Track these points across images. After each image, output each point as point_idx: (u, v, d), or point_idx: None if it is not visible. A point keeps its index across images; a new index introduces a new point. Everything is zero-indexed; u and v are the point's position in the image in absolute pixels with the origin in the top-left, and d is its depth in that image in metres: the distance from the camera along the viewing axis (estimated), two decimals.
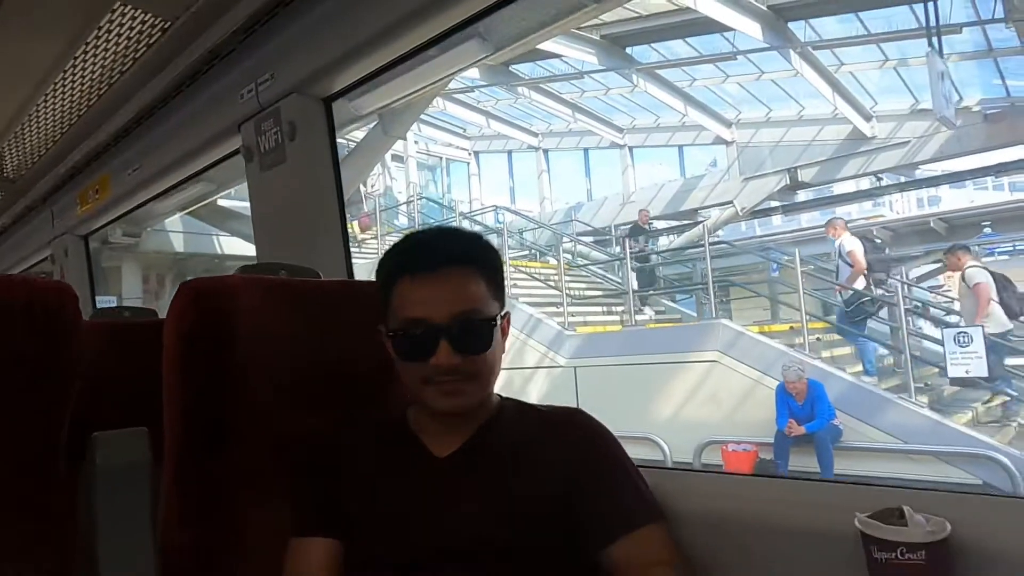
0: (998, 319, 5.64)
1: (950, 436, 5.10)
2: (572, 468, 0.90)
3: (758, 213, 11.54)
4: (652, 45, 9.49)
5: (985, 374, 5.47)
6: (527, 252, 11.18)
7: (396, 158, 14.56)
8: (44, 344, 0.87)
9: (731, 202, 10.76)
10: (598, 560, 0.88)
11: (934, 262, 9.34)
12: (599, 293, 9.66)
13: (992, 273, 5.90)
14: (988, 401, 6.01)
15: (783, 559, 0.90)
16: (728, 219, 11.13)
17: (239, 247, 8.38)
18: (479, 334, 0.89)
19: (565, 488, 0.89)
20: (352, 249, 1.68)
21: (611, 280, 9.98)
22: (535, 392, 7.13)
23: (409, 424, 0.96)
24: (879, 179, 10.72)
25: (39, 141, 2.28)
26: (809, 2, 7.80)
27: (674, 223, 11.63)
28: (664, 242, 10.92)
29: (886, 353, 6.75)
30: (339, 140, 1.85)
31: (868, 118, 9.47)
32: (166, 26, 1.59)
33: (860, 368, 6.32)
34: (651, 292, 9.29)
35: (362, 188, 12.43)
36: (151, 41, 1.65)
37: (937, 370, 6.31)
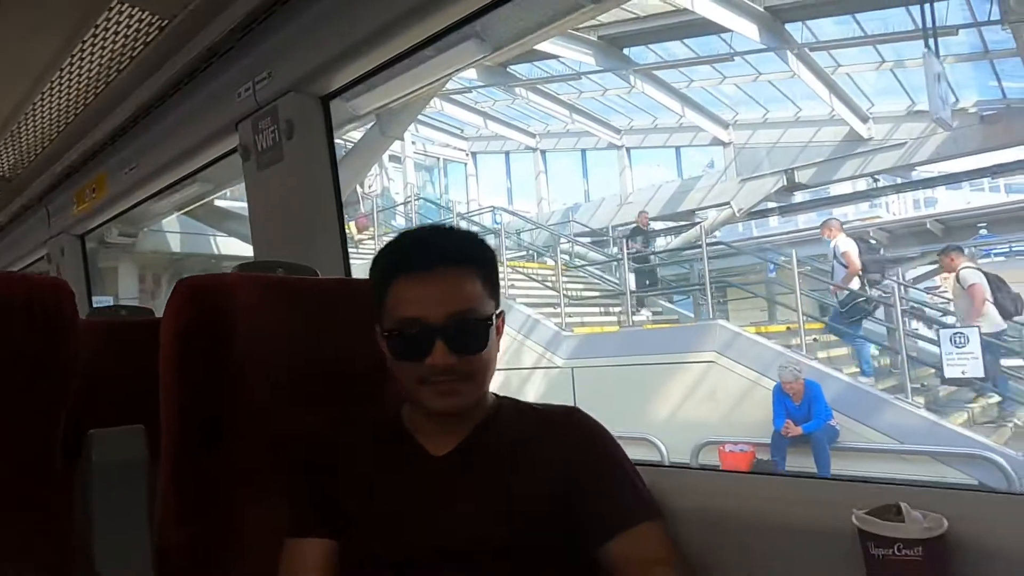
0: (992, 319, 5.67)
1: (946, 437, 5.12)
2: (571, 467, 0.90)
3: (755, 214, 11.56)
4: (649, 46, 9.50)
5: (981, 375, 5.49)
6: (525, 253, 11.18)
7: (394, 159, 14.55)
8: (43, 341, 0.87)
9: (728, 203, 10.77)
10: (596, 558, 0.87)
11: (930, 263, 9.36)
12: (596, 294, 9.66)
13: (986, 274, 5.94)
14: (972, 401, 6.04)
15: (781, 556, 0.90)
16: (725, 220, 11.14)
17: (236, 247, 8.36)
18: (475, 334, 0.88)
19: (564, 487, 0.89)
20: (349, 250, 1.68)
21: (608, 281, 9.99)
22: (532, 393, 7.12)
23: (404, 423, 0.96)
24: (876, 180, 10.75)
25: (35, 139, 2.28)
26: (806, 4, 7.82)
27: (671, 224, 11.64)
28: (661, 243, 10.92)
29: (877, 353, 6.76)
30: (336, 140, 1.85)
31: (865, 119, 9.50)
32: (163, 24, 1.58)
33: (857, 369, 6.33)
34: (648, 293, 9.29)
35: (359, 189, 12.42)
36: (148, 39, 1.65)
37: (933, 371, 6.34)
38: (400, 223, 12.73)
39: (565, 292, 8.43)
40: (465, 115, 13.37)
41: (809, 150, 10.04)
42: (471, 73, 9.88)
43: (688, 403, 6.30)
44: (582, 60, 9.30)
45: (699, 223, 10.00)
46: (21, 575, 0.84)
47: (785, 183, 10.16)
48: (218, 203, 7.82)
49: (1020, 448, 5.04)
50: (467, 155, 15.88)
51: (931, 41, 7.19)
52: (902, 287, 7.39)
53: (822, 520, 0.86)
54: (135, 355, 1.09)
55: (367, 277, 0.97)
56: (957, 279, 5.96)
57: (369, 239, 10.99)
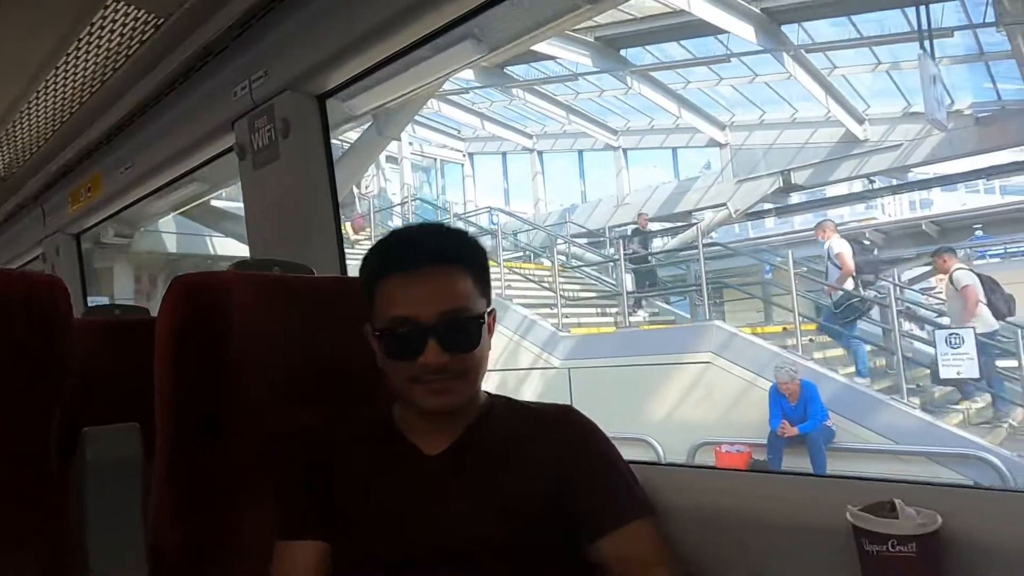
0: (985, 320, 5.70)
1: (942, 437, 5.13)
2: (565, 466, 0.90)
3: (751, 215, 11.59)
4: (646, 47, 9.52)
5: (976, 375, 5.52)
6: (521, 254, 11.18)
7: (391, 159, 14.56)
8: (38, 338, 0.87)
9: (725, 204, 10.80)
10: (588, 556, 0.88)
11: (926, 265, 9.39)
12: (593, 295, 9.67)
13: (979, 275, 5.98)
14: (958, 402, 6.06)
15: (776, 553, 0.90)
16: (722, 221, 11.17)
17: (233, 248, 8.36)
18: (467, 332, 0.88)
19: (558, 486, 0.89)
20: (345, 251, 1.67)
21: (605, 282, 10.00)
22: (529, 393, 7.12)
23: (395, 422, 0.95)
24: (871, 182, 10.78)
25: (31, 138, 2.27)
26: (802, 5, 7.84)
27: (668, 225, 11.66)
28: (658, 244, 10.94)
29: (869, 350, 6.78)
30: (333, 141, 1.85)
31: (861, 121, 9.52)
32: (159, 23, 1.58)
33: (853, 369, 6.35)
34: (645, 294, 9.30)
35: (355, 189, 12.41)
36: (144, 38, 1.64)
37: (927, 371, 6.37)
38: (397, 224, 12.68)
39: (562, 293, 8.43)
40: (462, 116, 13.38)
41: (805, 151, 10.07)
42: (468, 74, 9.89)
43: (684, 404, 6.31)
44: (579, 61, 9.32)
45: (695, 224, 10.02)
46: (20, 571, 0.83)
47: (781, 184, 10.19)
48: (214, 203, 7.81)
49: (1015, 448, 5.06)
50: (464, 156, 15.89)
51: (927, 43, 7.22)
52: (898, 288, 7.42)
53: (817, 517, 0.86)
54: (130, 354, 1.09)
55: None
56: (950, 280, 5.99)
57: (366, 240, 10.98)
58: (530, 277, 9.56)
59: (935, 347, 5.72)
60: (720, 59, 9.45)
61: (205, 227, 8.69)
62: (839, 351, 6.83)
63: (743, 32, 7.86)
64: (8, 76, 1.80)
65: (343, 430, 0.97)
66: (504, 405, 0.98)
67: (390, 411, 0.97)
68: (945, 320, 6.48)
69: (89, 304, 3.11)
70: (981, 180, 10.92)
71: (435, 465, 0.90)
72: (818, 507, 0.87)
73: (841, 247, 6.65)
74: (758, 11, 7.82)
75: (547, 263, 9.97)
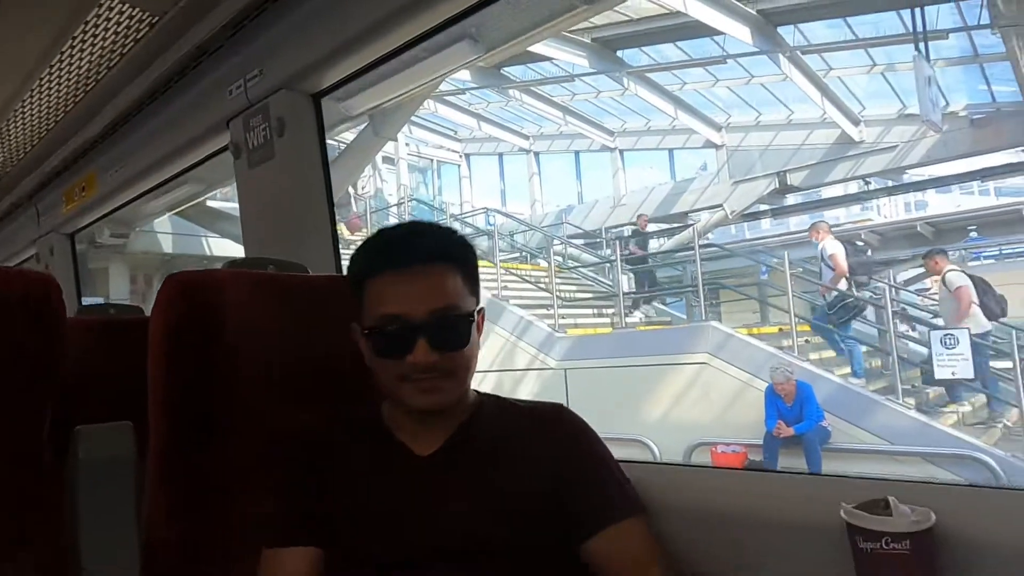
0: (978, 321, 5.74)
1: (937, 437, 5.15)
2: (559, 465, 0.90)
3: (748, 216, 11.61)
4: (643, 48, 9.53)
5: (971, 375, 5.54)
6: (518, 254, 11.19)
7: (387, 160, 14.55)
8: (32, 336, 0.86)
9: (721, 205, 10.82)
10: (580, 555, 0.87)
11: (920, 266, 9.44)
12: (590, 295, 9.67)
13: (971, 277, 6.01)
14: (947, 404, 6.09)
15: (770, 551, 0.90)
16: (718, 222, 11.19)
17: (228, 248, 8.34)
18: (456, 330, 0.87)
19: (552, 485, 0.89)
20: (341, 251, 1.67)
21: (602, 283, 10.01)
22: (525, 394, 7.12)
23: (384, 421, 0.94)
24: (867, 183, 10.82)
25: (24, 137, 2.26)
26: (798, 7, 7.87)
27: (664, 226, 11.68)
28: (654, 245, 10.96)
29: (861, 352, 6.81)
30: (329, 141, 1.85)
31: (856, 122, 9.56)
32: (154, 21, 1.57)
33: (848, 370, 6.37)
34: (641, 294, 9.31)
35: (351, 190, 12.40)
36: (139, 36, 1.63)
37: (920, 372, 6.39)
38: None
39: (558, 294, 8.44)
40: (459, 117, 13.38)
41: (801, 153, 10.09)
42: (464, 75, 9.89)
43: (681, 404, 6.32)
44: (575, 62, 9.33)
45: (692, 225, 10.03)
46: (12, 570, 0.83)
47: (777, 186, 10.21)
48: (210, 203, 7.80)
49: (1009, 448, 5.08)
50: (461, 157, 15.89)
51: (922, 45, 7.26)
52: (893, 289, 7.45)
53: (811, 515, 0.86)
54: (124, 353, 1.09)
55: None
56: (943, 282, 6.03)
57: (362, 240, 10.94)
58: (526, 278, 9.56)
59: (930, 348, 5.74)
60: (716, 60, 9.48)
61: (201, 227, 8.67)
62: (835, 352, 6.85)
63: (739, 34, 7.89)
64: (2, 75, 1.79)
65: (334, 431, 0.96)
66: (494, 404, 0.98)
67: (379, 410, 0.96)
68: (939, 321, 6.51)
69: (84, 304, 3.11)
70: (976, 182, 10.98)
71: (429, 465, 0.90)
72: (812, 505, 0.88)
73: (835, 248, 6.67)
74: (754, 13, 7.84)
75: (544, 264, 9.97)
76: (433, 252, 0.89)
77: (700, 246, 7.64)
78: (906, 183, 10.63)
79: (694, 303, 8.25)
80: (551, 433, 0.93)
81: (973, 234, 10.01)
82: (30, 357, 0.87)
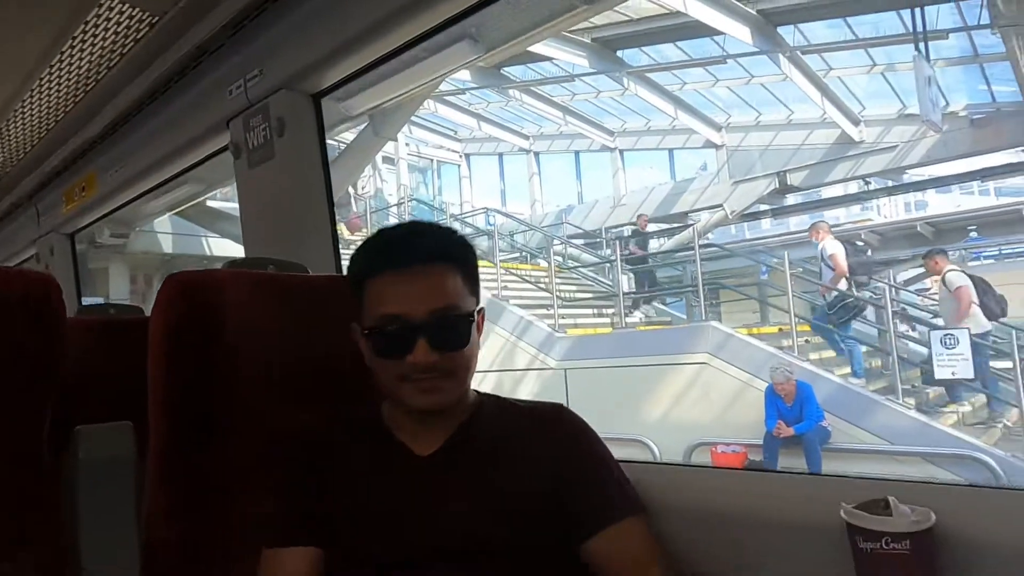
0: (978, 321, 5.74)
1: (937, 437, 5.15)
2: (558, 465, 0.90)
3: (748, 217, 11.61)
4: (643, 48, 9.53)
5: (971, 375, 5.54)
6: (518, 254, 11.18)
7: (387, 160, 14.55)
8: (33, 335, 0.86)
9: (721, 205, 10.82)
10: (580, 554, 0.87)
11: (920, 266, 9.44)
12: (590, 295, 9.67)
13: (971, 277, 6.01)
14: (947, 404, 6.08)
15: (770, 551, 0.90)
16: (718, 222, 11.19)
17: (228, 248, 8.34)
18: (457, 330, 0.87)
19: (552, 485, 0.89)
20: (341, 251, 1.67)
21: (602, 283, 10.01)
22: (525, 394, 7.12)
23: (384, 421, 0.94)
24: (867, 183, 10.82)
25: (24, 137, 2.26)
26: (798, 7, 7.87)
27: (664, 226, 11.68)
28: (654, 245, 10.97)
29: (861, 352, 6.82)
30: (329, 141, 1.85)
31: (856, 122, 9.56)
32: (154, 21, 1.57)
33: (848, 370, 6.37)
34: (641, 294, 9.31)
35: (351, 190, 12.40)
36: (139, 36, 1.63)
37: (920, 372, 6.39)
38: None
39: (558, 294, 8.44)
40: (459, 117, 13.38)
41: (801, 153, 10.09)
42: (464, 75, 9.89)
43: (681, 404, 6.31)
44: (575, 62, 9.33)
45: (692, 225, 10.03)
46: (12, 569, 0.83)
47: (777, 186, 10.21)
48: (210, 204, 7.80)
49: (1009, 448, 5.08)
50: (461, 157, 15.88)
51: (922, 45, 7.25)
52: (893, 289, 7.45)
53: (811, 515, 0.86)
54: (124, 353, 1.09)
55: None
56: (943, 282, 6.03)
57: (362, 240, 10.94)
58: (527, 278, 9.55)
59: (930, 348, 5.75)
60: (716, 60, 9.48)
61: (201, 227, 8.67)
62: (835, 352, 6.85)
63: (739, 34, 7.89)
64: (2, 75, 1.79)
65: (334, 431, 0.96)
66: (494, 404, 0.98)
67: (379, 410, 0.96)
68: (939, 321, 6.51)
69: (84, 304, 3.11)
70: (976, 182, 10.97)
71: (427, 465, 0.90)
72: (812, 505, 0.88)
73: (834, 248, 6.68)
74: (754, 13, 7.84)
75: (544, 264, 9.97)
76: (433, 252, 0.89)
77: (700, 246, 7.64)
78: (906, 183, 10.63)
79: (694, 303, 8.25)
80: (551, 433, 0.93)
81: (973, 234, 10.01)
82: (30, 357, 0.87)
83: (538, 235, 11.75)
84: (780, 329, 7.21)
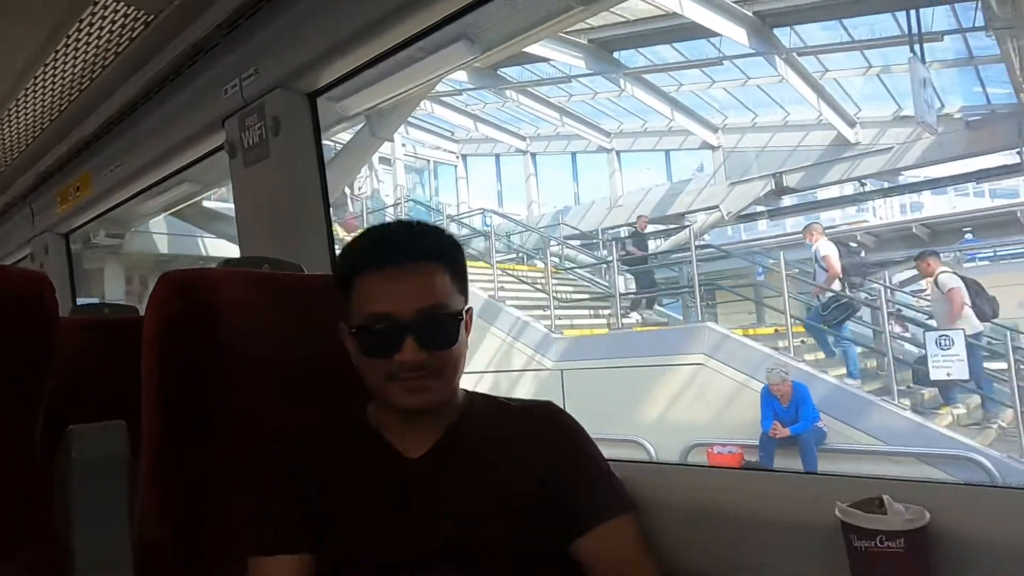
0: (971, 322, 5.77)
1: (932, 438, 5.17)
2: (550, 463, 0.90)
3: (744, 218, 11.63)
4: (639, 50, 9.55)
5: (966, 376, 5.56)
6: (515, 255, 11.18)
7: (383, 160, 14.53)
8: (27, 334, 0.86)
9: (717, 207, 10.84)
10: (571, 553, 0.87)
11: (915, 268, 9.47)
12: (586, 296, 9.68)
13: (963, 278, 6.04)
14: (942, 406, 6.10)
15: (764, 550, 0.90)
16: (714, 223, 11.21)
17: (224, 249, 8.32)
18: (445, 329, 0.87)
19: (544, 483, 0.89)
20: (337, 251, 1.66)
21: (598, 284, 10.01)
22: (521, 395, 7.09)
23: (370, 421, 0.94)
24: (863, 184, 10.85)
25: (18, 137, 2.25)
26: (794, 9, 7.89)
27: (661, 227, 11.70)
28: (651, 246, 10.98)
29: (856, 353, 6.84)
30: (325, 142, 1.84)
31: (852, 124, 9.58)
32: (149, 20, 1.57)
33: (844, 371, 6.38)
34: (638, 295, 9.31)
35: (348, 191, 12.39)
36: (134, 35, 1.63)
37: (914, 373, 6.41)
38: None
39: (555, 295, 8.44)
40: (455, 117, 13.38)
41: (797, 154, 10.12)
42: (461, 75, 9.89)
43: (677, 405, 6.32)
44: (572, 63, 9.34)
45: (688, 226, 10.05)
46: (4, 570, 0.83)
47: (773, 187, 10.23)
48: (205, 204, 7.78)
49: (1004, 449, 5.10)
50: (457, 157, 15.88)
51: (917, 47, 7.28)
52: (888, 290, 7.47)
53: (805, 514, 0.87)
54: (119, 352, 1.08)
55: None
56: (936, 284, 6.05)
57: None
58: (523, 279, 9.56)
59: (925, 349, 5.77)
60: (712, 62, 9.50)
61: (196, 228, 8.65)
62: (825, 353, 6.87)
63: (735, 35, 7.90)
64: None
65: (324, 431, 0.95)
66: (483, 403, 0.97)
67: (364, 411, 0.95)
68: (934, 323, 6.54)
69: (78, 304, 3.10)
70: (971, 183, 11.01)
71: (418, 468, 0.89)
72: (807, 504, 0.88)
73: (828, 250, 6.71)
74: (750, 14, 7.86)
75: (540, 265, 9.97)
76: (421, 251, 0.88)
77: (696, 247, 7.66)
78: (901, 185, 10.66)
79: (690, 304, 8.26)
80: (541, 432, 0.93)
81: (968, 236, 10.04)
82: (23, 355, 0.86)
83: (535, 236, 11.75)
84: (776, 330, 7.23)
